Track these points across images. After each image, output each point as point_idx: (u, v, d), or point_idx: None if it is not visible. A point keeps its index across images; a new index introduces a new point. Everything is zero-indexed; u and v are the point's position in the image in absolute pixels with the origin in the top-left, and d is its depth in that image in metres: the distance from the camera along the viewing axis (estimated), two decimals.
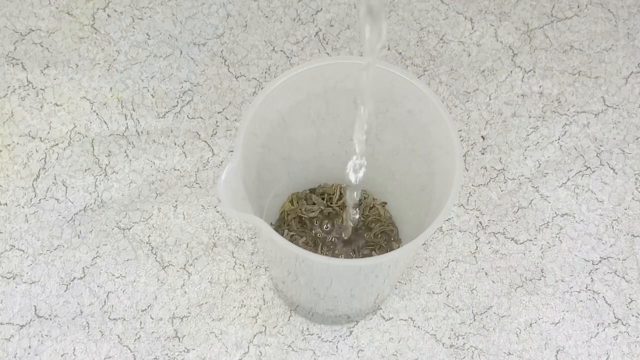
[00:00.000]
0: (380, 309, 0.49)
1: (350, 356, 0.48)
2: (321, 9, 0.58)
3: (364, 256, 0.48)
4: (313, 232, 0.48)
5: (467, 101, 0.56)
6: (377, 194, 0.50)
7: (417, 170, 0.42)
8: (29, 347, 0.48)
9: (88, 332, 0.48)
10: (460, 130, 0.55)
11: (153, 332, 0.48)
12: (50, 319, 0.48)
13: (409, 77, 0.38)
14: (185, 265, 0.50)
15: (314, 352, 0.48)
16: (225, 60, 0.57)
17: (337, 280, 0.40)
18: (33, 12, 0.58)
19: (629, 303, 0.50)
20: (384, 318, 0.49)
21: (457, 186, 0.36)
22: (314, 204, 0.49)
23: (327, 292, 0.42)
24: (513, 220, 0.52)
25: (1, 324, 0.48)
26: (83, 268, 0.50)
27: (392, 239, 0.49)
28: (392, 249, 0.48)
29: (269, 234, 0.34)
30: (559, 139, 0.55)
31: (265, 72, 0.56)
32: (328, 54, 0.57)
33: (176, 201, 0.52)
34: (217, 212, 0.52)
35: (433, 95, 0.38)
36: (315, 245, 0.48)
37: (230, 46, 0.57)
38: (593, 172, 0.54)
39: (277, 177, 0.47)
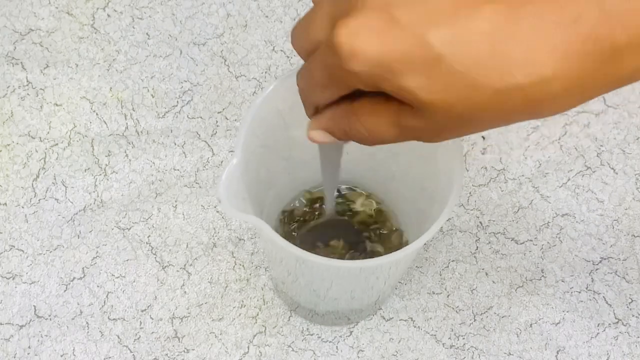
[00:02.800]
0: (381, 309, 0.49)
1: (351, 356, 0.48)
2: None
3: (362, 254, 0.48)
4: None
5: None
6: (377, 193, 0.50)
7: (418, 170, 0.42)
8: (29, 347, 0.48)
9: (88, 332, 0.48)
10: None
11: (153, 332, 0.48)
12: (50, 319, 0.48)
13: None
14: (185, 265, 0.50)
15: (314, 353, 0.48)
16: (225, 60, 0.57)
17: (338, 282, 0.40)
18: (33, 11, 0.58)
19: (630, 303, 0.50)
20: (384, 318, 0.49)
21: (457, 187, 0.36)
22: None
23: (328, 293, 0.42)
24: (513, 220, 0.52)
25: (1, 324, 0.48)
26: (83, 268, 0.50)
27: (389, 230, 0.49)
28: (390, 239, 0.48)
29: (269, 234, 0.34)
30: (559, 139, 0.55)
31: (265, 72, 0.56)
32: None
33: (176, 201, 0.52)
34: (217, 212, 0.52)
35: None
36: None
37: (230, 46, 0.57)
38: (593, 172, 0.54)
39: (278, 177, 0.47)
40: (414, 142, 0.42)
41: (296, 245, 0.44)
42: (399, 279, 0.49)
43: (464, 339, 0.48)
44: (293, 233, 0.48)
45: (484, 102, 0.24)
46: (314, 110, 0.30)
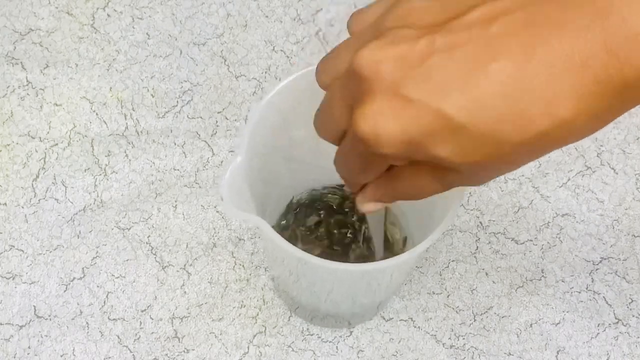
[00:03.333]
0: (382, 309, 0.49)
1: (351, 357, 0.48)
2: (321, 9, 0.58)
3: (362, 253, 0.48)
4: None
5: None
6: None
7: None
8: (29, 347, 0.48)
9: (88, 332, 0.48)
10: None
11: (153, 333, 0.48)
12: (50, 319, 0.48)
13: None
14: (185, 265, 0.50)
15: (314, 353, 0.48)
16: (225, 60, 0.57)
17: (339, 284, 0.39)
18: (33, 11, 0.58)
19: (630, 303, 0.50)
20: (384, 318, 0.49)
21: (460, 191, 0.36)
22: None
23: (329, 296, 0.41)
24: (513, 221, 0.52)
25: (1, 324, 0.48)
26: (83, 268, 0.50)
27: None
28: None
29: (270, 235, 0.34)
30: None
31: (265, 72, 0.56)
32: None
33: (176, 201, 0.52)
34: (217, 212, 0.52)
35: None
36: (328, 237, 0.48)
37: (230, 46, 0.57)
38: (594, 172, 0.54)
39: (280, 177, 0.47)
40: None
41: (299, 241, 0.44)
42: (401, 283, 0.49)
43: (464, 339, 0.48)
44: (296, 231, 0.48)
45: (514, 152, 0.25)
46: (359, 188, 0.31)
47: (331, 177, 0.50)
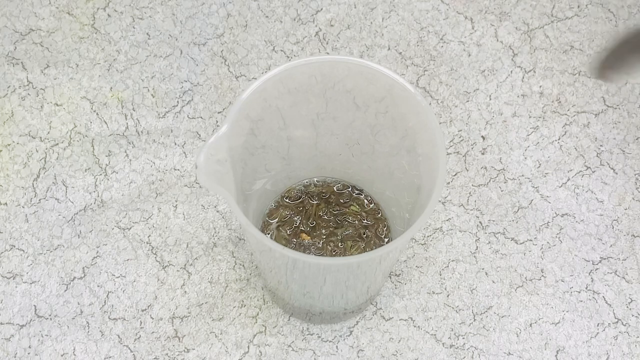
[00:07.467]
0: (381, 309, 0.49)
1: (350, 356, 0.48)
2: (321, 9, 0.58)
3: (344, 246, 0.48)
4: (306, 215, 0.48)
5: (467, 101, 0.56)
6: (376, 193, 0.50)
7: (415, 170, 0.42)
8: (29, 346, 0.48)
9: (88, 332, 0.48)
10: (461, 130, 0.55)
11: (153, 332, 0.48)
12: (50, 319, 0.48)
13: (389, 74, 0.39)
14: (185, 265, 0.50)
15: (314, 352, 0.48)
16: (225, 60, 0.57)
17: (330, 277, 0.40)
18: (33, 11, 0.58)
19: (629, 303, 0.50)
20: (384, 318, 0.49)
21: (440, 185, 0.36)
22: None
23: (322, 290, 0.42)
24: (513, 220, 0.52)
25: (1, 323, 0.48)
26: (83, 268, 0.50)
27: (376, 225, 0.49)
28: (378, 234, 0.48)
29: (240, 218, 0.33)
30: (559, 139, 0.55)
31: (266, 72, 0.56)
32: (328, 53, 0.57)
33: (176, 201, 0.52)
34: (218, 212, 0.52)
35: (413, 89, 0.38)
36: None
37: (230, 46, 0.57)
38: (593, 172, 0.54)
39: (278, 178, 0.47)
40: (412, 142, 0.42)
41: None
42: (389, 272, 0.49)
43: (463, 338, 0.48)
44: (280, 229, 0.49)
45: None
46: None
47: (329, 175, 0.50)
